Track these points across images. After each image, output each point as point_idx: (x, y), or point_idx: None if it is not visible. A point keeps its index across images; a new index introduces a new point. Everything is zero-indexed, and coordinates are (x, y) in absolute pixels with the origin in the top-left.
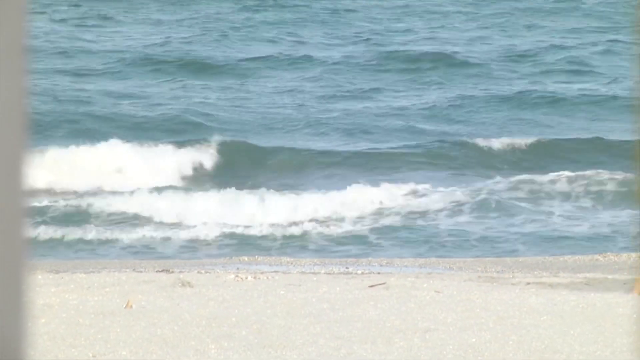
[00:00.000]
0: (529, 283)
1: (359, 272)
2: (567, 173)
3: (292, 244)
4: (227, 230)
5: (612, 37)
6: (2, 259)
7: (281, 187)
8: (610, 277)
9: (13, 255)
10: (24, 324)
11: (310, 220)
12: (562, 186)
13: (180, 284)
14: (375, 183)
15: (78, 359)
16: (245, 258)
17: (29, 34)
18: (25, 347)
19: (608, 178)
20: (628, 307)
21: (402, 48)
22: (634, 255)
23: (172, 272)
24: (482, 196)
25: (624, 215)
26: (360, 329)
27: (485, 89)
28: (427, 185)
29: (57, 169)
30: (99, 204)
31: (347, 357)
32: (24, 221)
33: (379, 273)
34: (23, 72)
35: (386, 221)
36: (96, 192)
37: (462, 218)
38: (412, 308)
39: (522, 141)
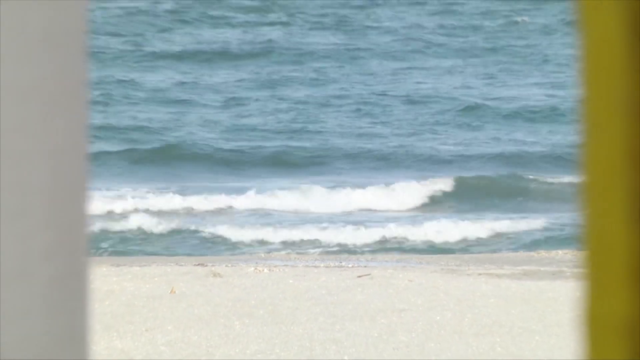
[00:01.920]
0: (480, 274)
1: (350, 265)
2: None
3: None
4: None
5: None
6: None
7: None
8: (542, 269)
9: (77, 251)
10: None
11: None
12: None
13: (212, 275)
14: None
15: (132, 334)
16: (262, 254)
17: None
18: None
19: (550, 182)
20: (555, 291)
21: None
22: (561, 252)
23: (206, 265)
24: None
25: (557, 217)
26: (351, 309)
27: None
28: None
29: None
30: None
31: (340, 332)
32: (88, 223)
33: (365, 266)
34: None
35: None
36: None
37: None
38: (391, 293)
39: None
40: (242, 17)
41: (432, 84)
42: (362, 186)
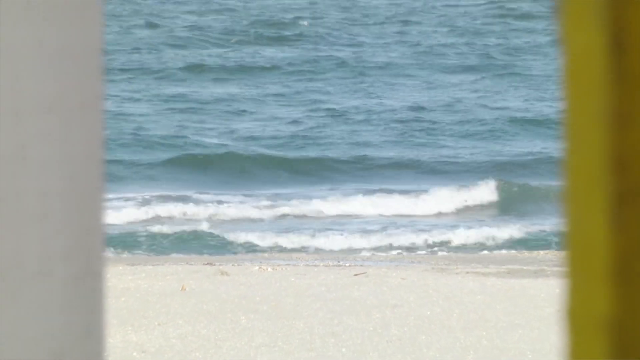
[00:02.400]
0: (467, 272)
1: (347, 265)
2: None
3: None
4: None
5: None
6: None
7: None
8: (525, 268)
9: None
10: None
11: None
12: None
13: (219, 273)
14: None
15: (146, 328)
16: (266, 255)
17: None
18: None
19: (533, 187)
20: (537, 289)
21: None
22: (542, 252)
23: (214, 264)
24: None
25: (538, 221)
26: (348, 305)
27: None
28: None
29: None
30: None
31: (338, 326)
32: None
33: (361, 265)
34: None
35: None
36: None
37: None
38: (385, 290)
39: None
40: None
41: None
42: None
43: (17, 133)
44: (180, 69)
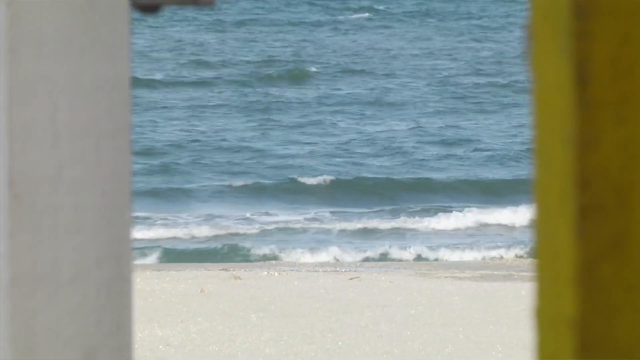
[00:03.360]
0: (446, 277)
1: (343, 270)
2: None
3: None
4: None
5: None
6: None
7: None
8: (496, 273)
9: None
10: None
11: None
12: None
13: (233, 278)
14: None
15: (170, 324)
16: (273, 262)
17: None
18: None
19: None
20: (506, 291)
21: None
22: (510, 259)
23: (229, 270)
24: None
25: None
26: (344, 305)
27: None
28: None
29: None
30: None
31: (335, 323)
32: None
33: (355, 271)
34: None
35: None
36: None
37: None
38: (375, 292)
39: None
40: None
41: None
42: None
43: (56, 155)
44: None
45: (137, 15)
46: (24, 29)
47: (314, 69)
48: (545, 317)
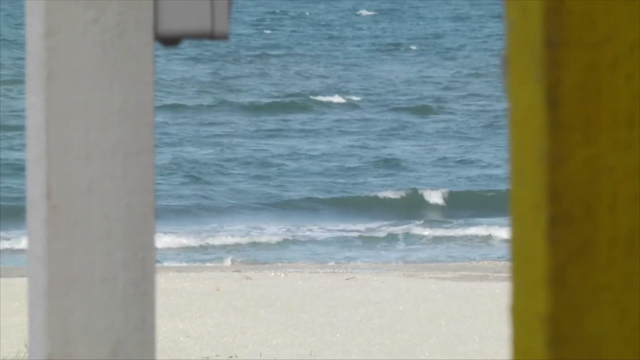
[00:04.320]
0: (430, 277)
1: (340, 271)
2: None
3: None
4: None
5: None
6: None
7: None
8: (474, 274)
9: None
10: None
11: None
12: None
13: (245, 278)
14: None
15: (190, 319)
16: (280, 264)
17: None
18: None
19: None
20: (482, 290)
21: None
22: (486, 262)
23: (241, 271)
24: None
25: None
26: (341, 302)
27: None
28: None
29: None
30: None
31: (334, 317)
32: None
33: (351, 272)
34: None
35: None
36: None
37: None
38: (369, 291)
39: None
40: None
41: None
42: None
43: (88, 171)
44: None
45: (160, 47)
46: (60, 60)
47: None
48: (520, 314)
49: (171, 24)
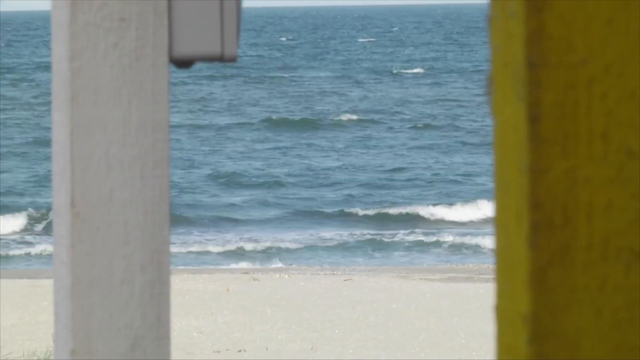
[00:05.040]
0: (420, 279)
1: (339, 273)
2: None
3: None
4: None
5: None
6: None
7: None
8: (460, 275)
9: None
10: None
11: None
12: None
13: (252, 279)
14: None
15: (202, 316)
16: (284, 267)
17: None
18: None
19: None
20: (468, 290)
21: None
22: (471, 265)
23: (249, 273)
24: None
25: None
26: (340, 300)
27: None
28: None
29: None
30: None
31: (333, 315)
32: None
33: (348, 274)
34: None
35: None
36: None
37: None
38: (365, 291)
39: None
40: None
41: None
42: None
43: (108, 182)
44: None
45: (174, 68)
46: (83, 81)
47: None
48: (504, 313)
49: (184, 48)
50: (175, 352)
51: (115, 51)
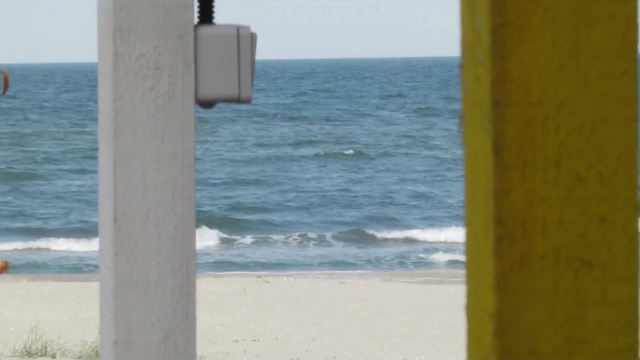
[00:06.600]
0: (402, 281)
1: (335, 276)
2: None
3: None
4: None
5: None
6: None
7: None
8: (434, 278)
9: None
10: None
11: None
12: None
13: (264, 282)
14: None
15: (223, 312)
16: (291, 272)
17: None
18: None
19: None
20: (441, 291)
21: None
22: (443, 270)
23: (261, 277)
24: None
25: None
26: (336, 300)
27: None
28: None
29: None
30: None
31: (330, 311)
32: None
33: (343, 278)
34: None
35: None
36: None
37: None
38: (358, 292)
39: None
40: None
41: None
42: None
43: (145, 202)
44: None
45: (199, 108)
46: (124, 118)
47: None
48: (473, 310)
49: (208, 91)
50: (200, 341)
51: (151, 94)
